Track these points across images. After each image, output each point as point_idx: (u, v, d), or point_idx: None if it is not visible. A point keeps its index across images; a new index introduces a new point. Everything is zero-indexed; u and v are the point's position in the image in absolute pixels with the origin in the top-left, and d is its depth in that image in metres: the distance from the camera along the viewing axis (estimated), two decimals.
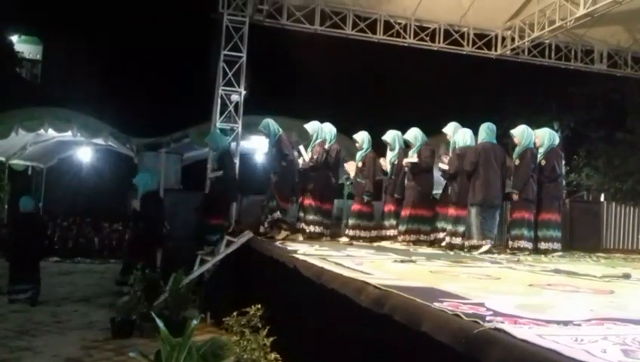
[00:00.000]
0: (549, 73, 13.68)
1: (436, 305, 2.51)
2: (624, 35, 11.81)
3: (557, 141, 7.79)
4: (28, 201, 8.87)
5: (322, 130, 8.09)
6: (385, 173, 8.53)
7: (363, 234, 8.25)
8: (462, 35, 11.64)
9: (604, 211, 12.57)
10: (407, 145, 8.34)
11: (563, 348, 1.78)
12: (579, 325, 2.26)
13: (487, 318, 2.23)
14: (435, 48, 11.59)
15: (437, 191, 8.55)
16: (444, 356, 2.21)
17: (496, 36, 11.86)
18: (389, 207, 8.33)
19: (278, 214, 7.61)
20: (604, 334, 2.09)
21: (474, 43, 11.71)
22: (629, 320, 2.42)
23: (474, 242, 7.14)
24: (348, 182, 8.65)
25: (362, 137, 8.45)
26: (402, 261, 5.06)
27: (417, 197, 7.99)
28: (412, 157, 8.10)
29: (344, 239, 8.16)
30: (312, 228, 7.83)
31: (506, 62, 12.31)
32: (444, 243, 7.58)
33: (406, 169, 8.15)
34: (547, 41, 11.81)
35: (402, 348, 2.69)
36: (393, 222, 8.22)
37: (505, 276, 4.31)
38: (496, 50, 11.88)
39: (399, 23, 11.29)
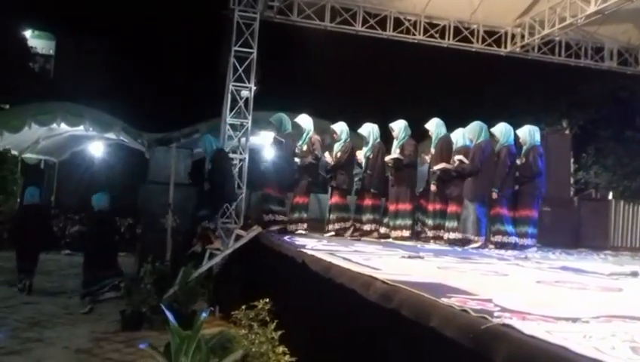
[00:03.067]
0: (559, 71, 13.62)
1: (444, 300, 2.52)
2: (635, 33, 11.74)
3: (538, 138, 7.74)
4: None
5: (288, 122, 8.10)
6: (359, 165, 8.45)
7: (343, 225, 8.15)
8: (471, 32, 11.60)
9: (612, 209, 12.51)
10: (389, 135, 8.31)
11: (572, 344, 1.79)
12: (587, 322, 2.26)
13: (496, 314, 2.24)
14: (445, 45, 11.57)
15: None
16: (452, 351, 2.23)
17: (506, 33, 11.81)
18: (367, 202, 8.23)
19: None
20: (613, 331, 2.09)
21: (483, 40, 11.67)
22: (638, 317, 2.43)
23: (470, 237, 7.26)
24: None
25: (341, 128, 8.29)
26: (410, 257, 5.09)
27: (402, 192, 7.99)
28: (394, 153, 8.06)
29: (329, 233, 8.07)
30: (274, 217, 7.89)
31: (515, 59, 12.27)
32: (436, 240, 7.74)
33: (389, 164, 8.10)
34: (557, 39, 11.76)
35: (409, 342, 2.71)
36: (370, 216, 8.17)
37: (512, 273, 4.33)
38: (505, 48, 11.84)
39: (409, 20, 11.28)
